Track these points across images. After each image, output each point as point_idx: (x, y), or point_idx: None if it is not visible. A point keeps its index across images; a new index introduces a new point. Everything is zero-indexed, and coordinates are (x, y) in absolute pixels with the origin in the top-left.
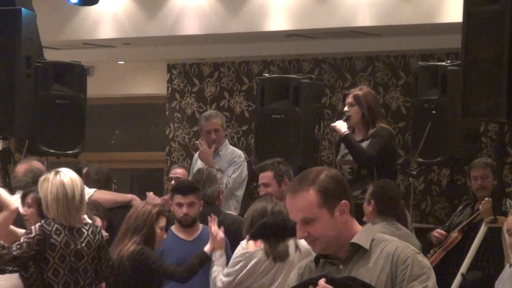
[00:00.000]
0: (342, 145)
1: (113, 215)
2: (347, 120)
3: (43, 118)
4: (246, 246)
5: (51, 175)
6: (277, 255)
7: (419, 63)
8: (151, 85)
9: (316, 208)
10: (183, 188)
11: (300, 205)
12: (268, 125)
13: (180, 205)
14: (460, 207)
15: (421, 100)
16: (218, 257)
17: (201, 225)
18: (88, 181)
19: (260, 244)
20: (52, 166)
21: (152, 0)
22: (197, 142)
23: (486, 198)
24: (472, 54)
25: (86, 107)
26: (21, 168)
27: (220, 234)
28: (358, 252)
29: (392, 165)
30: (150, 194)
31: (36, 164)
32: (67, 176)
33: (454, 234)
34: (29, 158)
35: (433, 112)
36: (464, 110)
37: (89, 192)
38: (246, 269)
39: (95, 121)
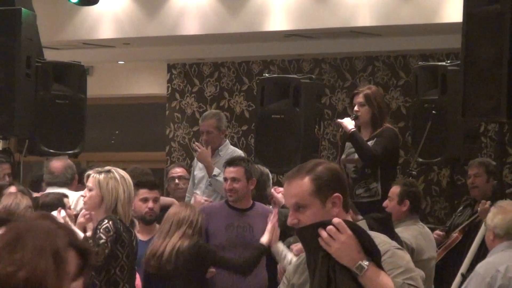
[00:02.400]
0: (347, 144)
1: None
2: (355, 118)
3: (43, 118)
4: None
5: (112, 174)
6: None
7: (419, 63)
8: (151, 85)
9: (308, 196)
10: (149, 182)
11: (293, 191)
12: (268, 125)
13: (145, 200)
14: (461, 208)
15: (421, 100)
16: (283, 248)
17: (157, 225)
18: None
19: None
20: None
21: (152, 0)
22: (194, 144)
23: (483, 201)
24: (472, 54)
25: (86, 107)
26: (57, 164)
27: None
28: None
29: (395, 165)
30: (197, 196)
31: (70, 161)
32: (126, 175)
33: (455, 234)
34: (62, 156)
35: (433, 112)
36: (464, 110)
37: None
38: None
39: (95, 121)
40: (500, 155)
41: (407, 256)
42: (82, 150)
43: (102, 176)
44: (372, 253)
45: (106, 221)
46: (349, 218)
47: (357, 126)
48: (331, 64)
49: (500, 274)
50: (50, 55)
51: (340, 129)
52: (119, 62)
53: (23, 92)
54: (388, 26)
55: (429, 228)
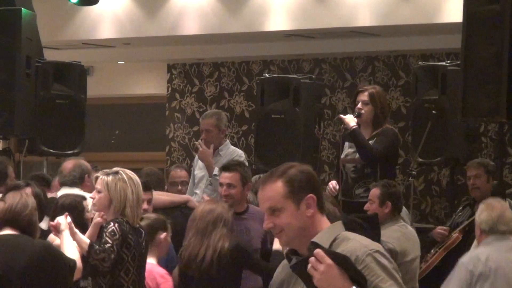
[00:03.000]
0: (346, 144)
1: (171, 215)
2: (358, 116)
3: (43, 118)
4: None
5: (121, 175)
6: None
7: (419, 63)
8: (151, 85)
9: (282, 199)
10: (142, 184)
11: (267, 195)
12: (268, 125)
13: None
14: (461, 208)
15: (421, 100)
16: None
17: None
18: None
19: None
20: (52, 166)
21: (152, 0)
22: (197, 142)
23: (483, 201)
24: (472, 54)
25: (86, 107)
26: (67, 164)
27: None
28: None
29: (394, 165)
30: (205, 197)
31: (83, 161)
32: (134, 176)
33: (455, 235)
34: (76, 157)
35: (433, 112)
36: (464, 110)
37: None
38: None
39: (95, 121)
40: (500, 155)
41: (386, 261)
42: (82, 150)
43: (110, 178)
44: (359, 282)
45: (112, 223)
46: (325, 219)
47: (358, 124)
48: (331, 64)
49: (481, 262)
50: (50, 55)
51: (342, 126)
52: (119, 62)
53: (23, 92)
54: (388, 26)
55: (429, 228)
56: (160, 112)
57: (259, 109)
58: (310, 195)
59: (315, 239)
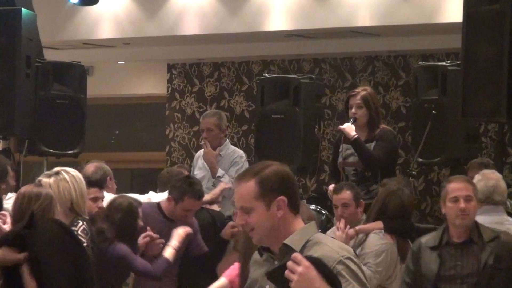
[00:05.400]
0: (343, 147)
1: (198, 215)
2: (354, 122)
3: (43, 118)
4: (385, 236)
5: (62, 175)
6: (404, 254)
7: (419, 63)
8: (151, 85)
9: (253, 199)
10: (98, 181)
11: (240, 194)
12: (268, 125)
13: (95, 199)
14: None
15: (421, 100)
16: None
17: None
18: (163, 184)
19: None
20: (52, 166)
21: (152, 0)
22: (202, 143)
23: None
24: (472, 54)
25: (86, 107)
26: (90, 167)
27: None
28: (290, 252)
29: (394, 165)
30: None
31: (104, 164)
32: (76, 173)
33: None
34: (96, 160)
35: (433, 112)
36: (464, 110)
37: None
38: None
39: (95, 121)
40: (500, 155)
41: (357, 268)
42: (82, 150)
43: (52, 179)
44: (335, 285)
45: (80, 222)
46: (299, 220)
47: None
48: (331, 64)
49: None
50: (50, 55)
51: (342, 135)
52: (119, 62)
53: (23, 92)
54: (388, 26)
55: (429, 228)
56: (160, 112)
57: (259, 109)
58: (281, 197)
59: (287, 241)
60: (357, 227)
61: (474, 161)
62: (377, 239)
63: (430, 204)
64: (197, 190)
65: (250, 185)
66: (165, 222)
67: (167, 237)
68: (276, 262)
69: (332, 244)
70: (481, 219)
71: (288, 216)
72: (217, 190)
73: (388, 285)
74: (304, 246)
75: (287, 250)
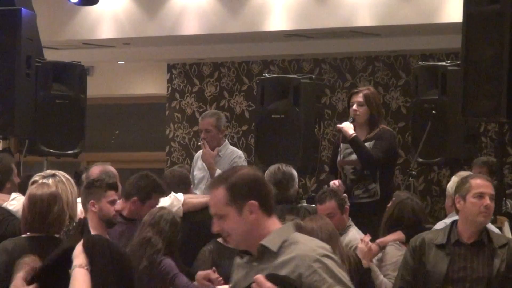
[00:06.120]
0: (343, 146)
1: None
2: (353, 121)
3: (43, 118)
4: (401, 246)
5: (59, 177)
6: None
7: (419, 63)
8: (151, 85)
9: (224, 206)
10: (115, 184)
11: (212, 202)
12: (268, 125)
13: (113, 202)
14: None
15: (421, 100)
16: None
17: None
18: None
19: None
20: (52, 166)
21: (152, 0)
22: (201, 143)
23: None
24: (472, 54)
25: (86, 107)
26: (95, 170)
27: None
28: (268, 252)
29: (394, 165)
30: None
31: (110, 167)
32: (69, 177)
33: None
34: (102, 162)
35: (433, 112)
36: (464, 110)
37: (176, 196)
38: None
39: (95, 121)
40: (500, 155)
41: (334, 264)
42: (82, 150)
43: (50, 181)
44: None
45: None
46: (274, 221)
47: (354, 126)
48: (331, 64)
49: None
50: (50, 55)
51: (341, 134)
52: (119, 62)
53: (23, 92)
54: (388, 26)
55: (429, 228)
56: (160, 112)
57: (259, 109)
58: (251, 201)
59: (264, 242)
60: (378, 240)
61: (478, 159)
62: (395, 250)
63: (430, 204)
64: (161, 185)
65: (220, 192)
66: (125, 223)
67: (127, 238)
68: (254, 263)
69: (309, 243)
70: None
71: (262, 219)
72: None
73: None
74: (281, 246)
75: (265, 251)
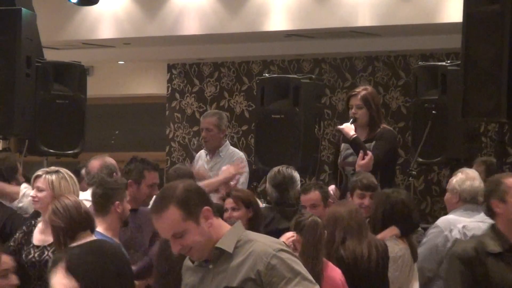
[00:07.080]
0: (343, 146)
1: None
2: (354, 122)
3: (43, 118)
4: (397, 241)
5: (62, 174)
6: (415, 253)
7: (419, 63)
8: (151, 85)
9: (182, 222)
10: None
11: (166, 224)
12: (268, 125)
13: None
14: None
15: (421, 100)
16: None
17: None
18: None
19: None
20: (52, 166)
21: (152, 0)
22: (197, 142)
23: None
24: (472, 54)
25: (86, 107)
26: (95, 164)
27: None
28: (224, 254)
29: (394, 165)
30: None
31: (109, 159)
32: (72, 174)
33: None
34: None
35: (433, 112)
36: (464, 110)
37: None
38: (405, 264)
39: (95, 121)
40: (500, 155)
41: (290, 257)
42: (82, 150)
43: (54, 176)
44: None
45: None
46: (223, 222)
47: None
48: (331, 64)
49: (457, 229)
50: (50, 55)
51: (341, 136)
52: (119, 62)
53: (23, 92)
54: (388, 26)
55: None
56: (160, 112)
57: (259, 109)
58: (205, 207)
59: (218, 244)
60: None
61: (478, 159)
62: (392, 246)
63: (430, 204)
64: (151, 162)
65: (172, 211)
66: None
67: (132, 228)
68: (210, 266)
69: (263, 240)
70: (465, 216)
71: (215, 222)
72: (220, 177)
73: (405, 286)
74: (236, 246)
75: (220, 253)
